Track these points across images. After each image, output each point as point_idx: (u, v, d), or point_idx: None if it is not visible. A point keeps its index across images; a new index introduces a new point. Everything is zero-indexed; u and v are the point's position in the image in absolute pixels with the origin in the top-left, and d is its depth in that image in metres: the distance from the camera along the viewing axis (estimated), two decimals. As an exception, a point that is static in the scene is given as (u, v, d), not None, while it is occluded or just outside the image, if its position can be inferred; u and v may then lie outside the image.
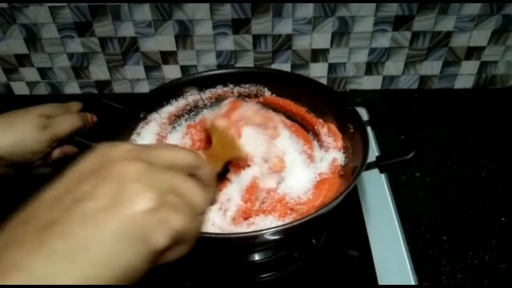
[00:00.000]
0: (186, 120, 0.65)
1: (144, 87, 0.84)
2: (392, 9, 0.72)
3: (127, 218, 0.24)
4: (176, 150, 0.30)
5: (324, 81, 0.83)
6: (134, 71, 0.82)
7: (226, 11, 0.73)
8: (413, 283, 0.50)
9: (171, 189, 0.26)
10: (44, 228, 0.23)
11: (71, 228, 0.23)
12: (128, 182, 0.25)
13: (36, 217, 0.24)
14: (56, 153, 0.54)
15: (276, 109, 0.65)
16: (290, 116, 0.65)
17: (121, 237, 0.23)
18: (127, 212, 0.24)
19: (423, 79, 0.82)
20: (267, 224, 0.48)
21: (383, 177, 0.63)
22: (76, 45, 0.78)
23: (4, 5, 0.72)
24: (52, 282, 0.21)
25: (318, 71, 0.81)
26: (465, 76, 0.81)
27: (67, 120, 0.53)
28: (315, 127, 0.61)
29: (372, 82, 0.83)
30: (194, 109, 0.66)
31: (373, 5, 0.71)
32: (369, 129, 0.56)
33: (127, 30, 0.76)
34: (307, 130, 0.63)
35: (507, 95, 0.82)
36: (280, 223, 0.49)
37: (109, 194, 0.24)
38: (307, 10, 0.72)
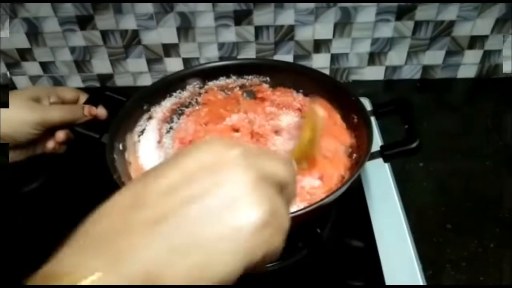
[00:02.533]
0: (188, 115, 0.66)
1: (146, 80, 0.84)
2: (395, -1, 0.72)
3: (239, 227, 0.23)
4: (278, 161, 0.28)
5: (326, 72, 0.82)
6: (136, 64, 0.82)
7: (228, 3, 0.73)
8: (417, 271, 0.50)
9: (275, 211, 0.25)
10: (157, 221, 0.23)
11: (183, 225, 0.23)
12: (244, 191, 0.24)
13: (149, 205, 0.24)
14: (50, 145, 0.55)
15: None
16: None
17: (228, 244, 0.23)
18: (240, 220, 0.24)
19: (426, 69, 0.82)
20: None
21: (387, 167, 0.63)
22: (78, 39, 0.78)
23: (6, -1, 0.72)
24: (160, 273, 0.22)
25: (320, 62, 0.81)
26: (468, 65, 0.81)
27: (57, 112, 0.53)
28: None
29: (375, 73, 0.82)
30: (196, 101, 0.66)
31: (376, -6, 0.71)
32: (372, 119, 0.56)
33: (128, 23, 0.75)
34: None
35: (510, 84, 0.81)
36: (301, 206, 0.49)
37: (226, 198, 0.24)
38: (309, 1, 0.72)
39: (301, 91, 0.64)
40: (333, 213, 0.58)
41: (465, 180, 0.63)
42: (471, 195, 0.60)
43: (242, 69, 0.65)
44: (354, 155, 0.56)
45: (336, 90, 0.60)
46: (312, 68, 0.66)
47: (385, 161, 0.50)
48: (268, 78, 0.65)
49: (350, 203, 0.57)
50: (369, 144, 0.50)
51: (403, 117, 0.52)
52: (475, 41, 0.77)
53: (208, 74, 0.65)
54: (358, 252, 0.54)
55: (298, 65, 0.72)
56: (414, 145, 0.48)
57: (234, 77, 0.65)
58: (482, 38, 0.77)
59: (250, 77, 0.65)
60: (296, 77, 0.64)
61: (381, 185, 0.61)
